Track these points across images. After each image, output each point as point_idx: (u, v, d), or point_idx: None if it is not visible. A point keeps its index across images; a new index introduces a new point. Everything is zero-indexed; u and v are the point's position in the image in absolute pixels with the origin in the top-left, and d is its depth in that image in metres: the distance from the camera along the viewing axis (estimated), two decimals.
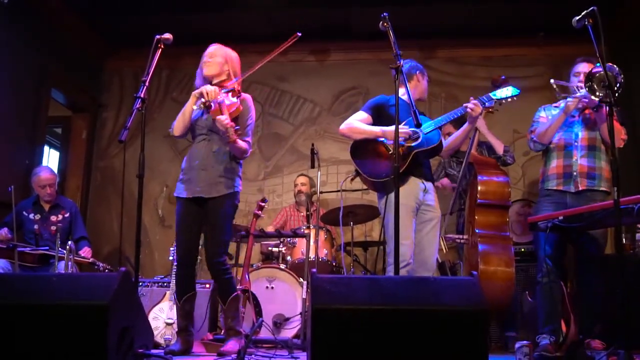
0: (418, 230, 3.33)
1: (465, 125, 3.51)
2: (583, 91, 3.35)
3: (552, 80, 3.53)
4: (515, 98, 3.57)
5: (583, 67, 3.53)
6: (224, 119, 3.08)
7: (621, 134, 3.39)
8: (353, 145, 3.43)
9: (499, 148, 4.31)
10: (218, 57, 3.38)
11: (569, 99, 3.46)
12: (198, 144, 3.31)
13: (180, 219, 3.31)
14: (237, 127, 3.14)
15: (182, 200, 3.29)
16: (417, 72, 3.56)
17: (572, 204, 3.42)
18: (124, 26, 5.96)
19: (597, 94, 3.09)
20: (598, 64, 3.15)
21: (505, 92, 3.57)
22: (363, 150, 3.39)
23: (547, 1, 5.29)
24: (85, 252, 4.51)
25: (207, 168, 3.24)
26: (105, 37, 6.24)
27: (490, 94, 3.56)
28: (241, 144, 3.22)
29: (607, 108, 2.82)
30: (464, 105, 3.43)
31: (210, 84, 3.30)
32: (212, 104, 3.15)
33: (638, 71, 4.96)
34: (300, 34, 3.32)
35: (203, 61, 3.39)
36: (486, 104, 3.50)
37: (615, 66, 3.00)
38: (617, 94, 2.88)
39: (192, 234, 3.31)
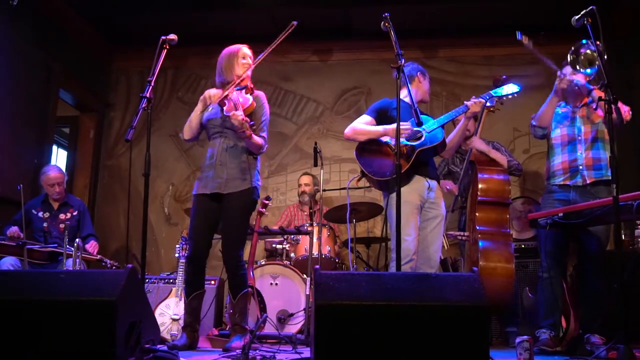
0: (422, 227, 3.38)
1: (461, 122, 3.55)
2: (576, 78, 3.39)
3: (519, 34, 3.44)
4: (516, 95, 3.60)
5: (567, 70, 3.58)
6: (239, 114, 3.17)
7: (623, 107, 3.38)
8: (358, 146, 3.50)
9: (503, 162, 4.22)
10: (249, 58, 3.47)
11: (557, 81, 3.51)
12: (214, 142, 3.37)
13: (195, 214, 3.33)
14: (252, 123, 3.23)
15: (199, 196, 3.33)
16: (418, 73, 3.59)
17: (576, 199, 3.46)
18: (130, 26, 6.02)
19: (578, 68, 3.16)
20: (584, 40, 3.16)
21: (506, 89, 3.59)
22: (368, 150, 3.46)
23: (547, 1, 5.32)
24: (91, 246, 4.54)
25: (223, 164, 3.29)
26: (111, 38, 6.30)
27: (491, 92, 3.59)
28: (257, 139, 3.30)
29: (606, 106, 2.86)
30: (465, 103, 3.48)
31: (229, 82, 3.36)
32: (226, 102, 3.23)
33: (636, 69, 4.98)
34: (296, 23, 3.33)
35: (243, 62, 3.42)
36: (488, 102, 3.52)
37: (599, 45, 3.02)
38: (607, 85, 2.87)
39: (206, 230, 3.34)
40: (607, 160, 3.47)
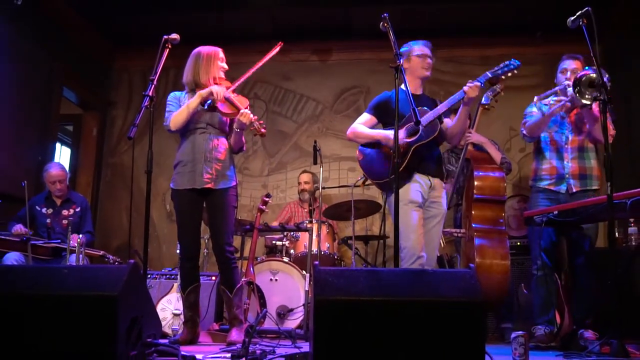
0: (423, 225, 3.33)
1: (461, 109, 3.38)
2: (570, 89, 3.42)
3: (535, 98, 3.57)
4: (515, 71, 3.40)
5: (569, 64, 3.62)
6: (250, 113, 3.29)
7: (610, 130, 3.45)
8: (359, 148, 3.53)
9: (497, 158, 4.20)
10: (225, 62, 3.52)
11: (552, 102, 3.52)
12: (197, 137, 3.36)
13: (184, 210, 3.36)
14: (262, 122, 3.36)
15: (184, 191, 3.34)
16: (405, 52, 3.47)
17: (566, 200, 3.51)
18: (130, 26, 6.06)
19: (587, 96, 3.15)
20: (587, 67, 3.20)
21: (504, 67, 3.40)
22: (367, 153, 3.48)
23: (544, 1, 5.35)
24: (73, 238, 4.44)
25: (212, 160, 3.33)
26: (113, 37, 6.34)
27: (488, 72, 3.40)
28: (244, 138, 3.45)
29: (601, 105, 2.90)
30: (463, 89, 3.32)
31: (203, 83, 3.40)
32: (218, 103, 3.31)
33: (635, 68, 5.01)
34: (282, 43, 3.50)
35: (221, 65, 3.48)
36: (482, 83, 3.33)
37: (606, 73, 3.05)
38: (608, 96, 2.92)
39: (196, 227, 3.41)
40: (592, 170, 3.55)
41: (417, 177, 3.32)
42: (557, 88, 3.60)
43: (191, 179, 3.32)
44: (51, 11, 5.46)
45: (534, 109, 3.77)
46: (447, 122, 3.46)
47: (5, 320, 1.98)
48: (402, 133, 3.31)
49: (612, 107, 2.95)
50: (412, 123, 3.30)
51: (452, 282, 2.04)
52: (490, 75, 3.36)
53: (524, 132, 3.75)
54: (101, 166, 6.40)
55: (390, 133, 3.33)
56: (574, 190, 3.55)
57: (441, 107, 3.35)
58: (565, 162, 3.60)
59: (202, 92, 3.33)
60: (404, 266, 3.18)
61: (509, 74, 3.40)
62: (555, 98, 3.53)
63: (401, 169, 3.23)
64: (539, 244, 3.49)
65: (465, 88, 3.30)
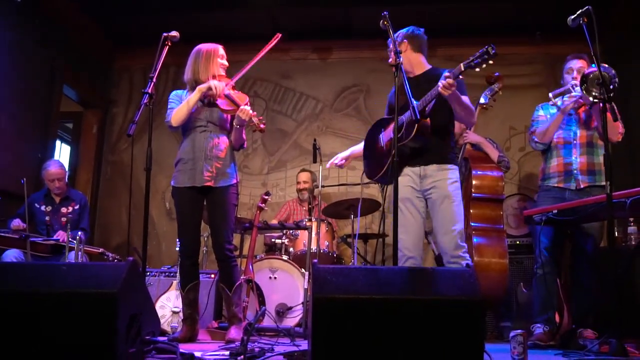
0: (431, 215, 3.18)
1: (449, 101, 3.07)
2: (578, 89, 3.41)
3: (550, 95, 3.54)
4: (491, 62, 2.91)
5: (575, 64, 3.61)
6: (249, 109, 3.29)
7: (619, 128, 3.45)
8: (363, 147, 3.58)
9: (494, 157, 4.18)
10: (225, 59, 3.53)
11: (565, 99, 3.52)
12: (198, 135, 3.38)
13: (184, 208, 3.38)
14: (261, 117, 3.35)
15: (185, 189, 3.35)
16: (404, 40, 3.36)
17: (571, 198, 3.50)
18: (133, 24, 6.07)
19: (593, 93, 3.11)
20: (593, 65, 3.17)
21: (478, 57, 2.89)
22: (366, 152, 3.50)
23: (544, 1, 5.35)
24: (60, 234, 4.46)
25: (212, 158, 3.34)
26: (114, 35, 6.35)
27: (461, 65, 2.93)
28: (244, 135, 3.45)
29: (601, 106, 2.90)
30: (437, 88, 2.97)
31: (203, 82, 3.39)
32: (217, 99, 3.32)
33: (633, 68, 5.01)
34: (281, 35, 3.48)
35: (221, 62, 3.48)
36: (458, 77, 2.98)
37: (612, 69, 3.03)
38: (612, 94, 2.92)
39: (196, 225, 3.42)
40: (601, 166, 3.50)
41: (406, 170, 3.21)
42: (566, 87, 3.57)
43: (191, 177, 3.33)
44: (52, 11, 5.47)
45: (541, 113, 3.75)
46: None
47: (4, 318, 1.98)
48: (385, 135, 3.32)
49: (613, 107, 2.95)
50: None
51: (451, 281, 2.03)
52: (463, 69, 2.91)
53: (536, 139, 3.67)
54: (101, 164, 6.41)
55: (353, 149, 3.58)
56: (582, 186, 3.53)
57: (419, 104, 3.04)
58: (573, 158, 3.57)
59: (202, 87, 3.35)
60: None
61: (484, 65, 2.92)
62: (568, 95, 3.52)
63: (384, 168, 3.22)
64: (540, 242, 3.48)
65: (439, 88, 2.96)
